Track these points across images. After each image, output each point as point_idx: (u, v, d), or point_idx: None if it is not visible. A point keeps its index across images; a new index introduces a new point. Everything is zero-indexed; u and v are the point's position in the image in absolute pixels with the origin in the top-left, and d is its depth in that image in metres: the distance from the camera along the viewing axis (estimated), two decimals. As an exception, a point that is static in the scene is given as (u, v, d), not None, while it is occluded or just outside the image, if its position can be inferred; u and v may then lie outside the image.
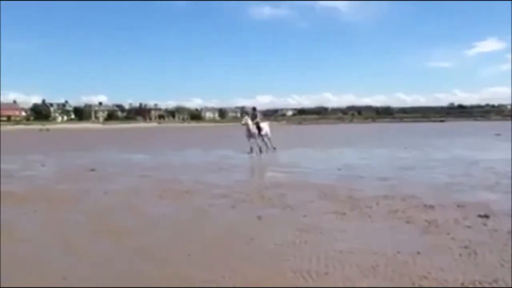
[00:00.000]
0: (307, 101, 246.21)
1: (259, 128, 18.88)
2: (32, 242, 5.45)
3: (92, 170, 12.50)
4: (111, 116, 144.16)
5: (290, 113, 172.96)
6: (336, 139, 32.21)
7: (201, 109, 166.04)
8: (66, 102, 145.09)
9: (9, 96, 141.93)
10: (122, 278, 4.13)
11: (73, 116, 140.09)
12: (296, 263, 4.42)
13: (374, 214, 6.49)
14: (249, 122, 18.98)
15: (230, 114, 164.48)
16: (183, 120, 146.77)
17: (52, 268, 4.47)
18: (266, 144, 19.13)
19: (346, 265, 4.32)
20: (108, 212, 7.11)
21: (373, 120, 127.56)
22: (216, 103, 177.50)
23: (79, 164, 14.64)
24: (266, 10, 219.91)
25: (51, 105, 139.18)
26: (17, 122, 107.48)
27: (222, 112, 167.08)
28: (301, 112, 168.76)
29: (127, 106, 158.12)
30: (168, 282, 4.02)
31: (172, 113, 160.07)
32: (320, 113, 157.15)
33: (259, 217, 6.44)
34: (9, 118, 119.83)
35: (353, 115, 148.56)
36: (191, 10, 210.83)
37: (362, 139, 30.40)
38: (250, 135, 18.84)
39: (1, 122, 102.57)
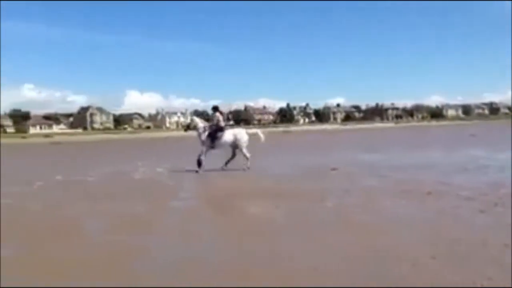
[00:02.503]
0: None
1: (213, 136, 14.04)
2: (277, 234, 6.02)
3: (334, 169, 13.11)
4: (348, 117, 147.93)
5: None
6: None
7: (442, 107, 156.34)
8: (307, 105, 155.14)
9: (259, 102, 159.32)
10: (371, 277, 4.24)
11: (313, 118, 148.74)
12: None
13: None
14: (199, 124, 14.44)
15: (476, 111, 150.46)
16: (422, 118, 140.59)
17: (299, 259, 4.89)
18: (245, 158, 14.07)
19: None
20: (350, 210, 7.39)
21: None
22: (460, 100, 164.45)
23: (320, 163, 15.47)
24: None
25: (294, 108, 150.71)
26: (266, 125, 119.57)
27: (466, 109, 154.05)
28: None
29: (363, 107, 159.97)
30: (415, 283, 4.00)
31: (410, 112, 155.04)
32: None
33: (514, 225, 5.78)
34: (259, 121, 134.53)
35: None
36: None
37: None
38: (201, 142, 14.22)
39: (254, 125, 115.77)
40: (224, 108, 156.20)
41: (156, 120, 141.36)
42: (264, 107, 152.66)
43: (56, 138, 69.92)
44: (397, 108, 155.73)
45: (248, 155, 14.15)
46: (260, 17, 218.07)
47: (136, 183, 12.17)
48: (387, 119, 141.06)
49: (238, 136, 14.21)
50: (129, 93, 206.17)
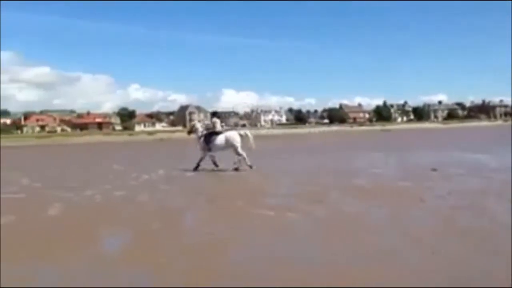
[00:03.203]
0: None
1: (207, 140, 14.61)
2: (382, 234, 5.91)
3: (434, 169, 12.53)
4: (450, 115, 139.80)
5: None
6: None
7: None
8: (406, 102, 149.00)
9: (355, 100, 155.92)
10: (480, 280, 4.12)
11: (412, 116, 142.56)
12: None
13: None
14: (199, 127, 15.34)
15: None
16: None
17: (402, 259, 4.82)
18: (242, 159, 14.14)
19: None
20: (453, 212, 7.06)
21: None
22: None
23: (420, 163, 14.87)
24: None
25: (392, 106, 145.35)
26: (361, 124, 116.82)
27: None
28: None
29: (468, 104, 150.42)
30: None
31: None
32: None
33: None
34: (354, 120, 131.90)
35: None
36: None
37: None
38: (200, 147, 14.95)
39: (350, 124, 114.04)
40: (318, 107, 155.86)
41: (251, 118, 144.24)
42: (360, 105, 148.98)
43: (159, 135, 73.97)
44: (506, 106, 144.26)
45: (244, 155, 14.24)
46: (354, 16, 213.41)
47: (228, 179, 12.66)
48: (495, 117, 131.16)
49: (230, 138, 14.48)
50: (225, 92, 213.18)
